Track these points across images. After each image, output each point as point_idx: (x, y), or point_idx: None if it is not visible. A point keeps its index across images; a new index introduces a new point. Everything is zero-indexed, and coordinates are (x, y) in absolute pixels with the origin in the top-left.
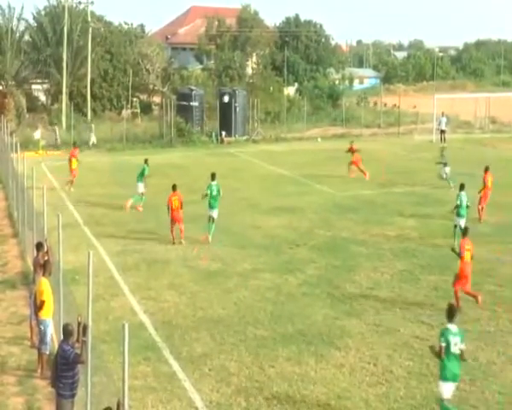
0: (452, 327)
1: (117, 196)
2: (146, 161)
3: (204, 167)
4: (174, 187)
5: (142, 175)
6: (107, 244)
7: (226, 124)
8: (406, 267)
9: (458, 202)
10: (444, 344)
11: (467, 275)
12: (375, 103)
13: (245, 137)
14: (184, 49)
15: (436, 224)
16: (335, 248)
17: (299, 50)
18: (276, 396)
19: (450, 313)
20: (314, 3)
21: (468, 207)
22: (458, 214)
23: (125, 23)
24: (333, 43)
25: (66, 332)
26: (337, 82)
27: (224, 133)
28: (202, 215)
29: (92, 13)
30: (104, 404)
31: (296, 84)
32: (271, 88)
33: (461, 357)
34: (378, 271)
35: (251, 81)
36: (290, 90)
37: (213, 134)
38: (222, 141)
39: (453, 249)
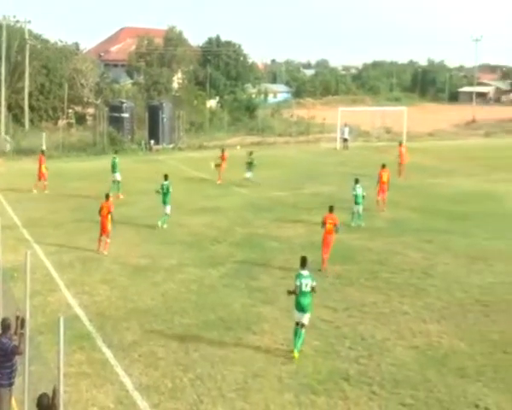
0: (304, 272)
1: (54, 199)
2: (116, 152)
3: (134, 173)
4: (107, 196)
5: (114, 167)
6: (45, 244)
7: (154, 133)
8: (313, 259)
9: (354, 193)
10: (298, 284)
11: (328, 242)
12: (292, 116)
13: (171, 146)
14: (116, 65)
15: (340, 220)
16: (252, 243)
17: (220, 67)
18: (200, 377)
19: (303, 262)
20: (234, 26)
21: (363, 197)
22: (355, 202)
23: (61, 41)
24: (250, 61)
25: (4, 326)
26: (254, 96)
27: (152, 142)
28: (135, 217)
29: (30, 31)
30: (41, 391)
31: (217, 98)
32: (195, 101)
33: (313, 291)
34: (290, 263)
35: (177, 95)
36: (212, 103)
37: (143, 143)
38: (150, 149)
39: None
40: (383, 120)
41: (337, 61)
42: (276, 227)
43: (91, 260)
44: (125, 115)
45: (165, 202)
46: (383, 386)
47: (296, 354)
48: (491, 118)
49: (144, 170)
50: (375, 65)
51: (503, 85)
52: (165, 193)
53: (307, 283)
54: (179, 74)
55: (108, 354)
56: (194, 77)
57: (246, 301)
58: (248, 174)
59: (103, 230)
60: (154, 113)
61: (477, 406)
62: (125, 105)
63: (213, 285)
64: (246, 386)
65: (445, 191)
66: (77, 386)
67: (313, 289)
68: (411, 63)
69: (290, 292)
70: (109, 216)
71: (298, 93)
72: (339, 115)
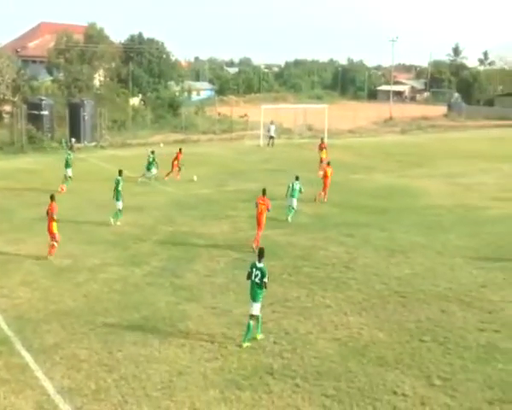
0: (258, 264)
1: None
2: (71, 148)
3: (55, 172)
4: (52, 197)
5: (68, 163)
6: None
7: (75, 131)
8: (239, 255)
9: (291, 186)
10: (249, 271)
11: (260, 222)
12: (219, 113)
13: (93, 144)
14: (35, 61)
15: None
16: (177, 241)
17: (143, 65)
18: (124, 377)
19: (260, 254)
20: (156, 23)
21: (300, 190)
22: (291, 196)
23: None
24: (173, 58)
25: None
26: (177, 93)
27: (73, 140)
28: (58, 215)
29: None
30: None
31: (140, 95)
32: (117, 98)
33: (264, 286)
34: (214, 260)
35: (98, 92)
36: (135, 101)
37: (63, 141)
38: (71, 147)
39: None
40: (305, 118)
41: (260, 60)
42: (200, 225)
43: (10, 262)
44: (45, 113)
45: (116, 198)
46: (306, 379)
47: (246, 343)
48: (406, 116)
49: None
50: (297, 63)
51: (418, 84)
52: (116, 188)
53: (257, 274)
54: (101, 72)
55: (28, 358)
56: (117, 74)
57: (170, 299)
58: (148, 174)
59: (48, 232)
60: (74, 110)
61: (395, 392)
62: (44, 102)
63: (137, 284)
64: (171, 384)
65: (365, 187)
66: None
67: (264, 284)
68: (332, 62)
69: (247, 276)
70: (53, 218)
71: (221, 91)
72: (261, 113)
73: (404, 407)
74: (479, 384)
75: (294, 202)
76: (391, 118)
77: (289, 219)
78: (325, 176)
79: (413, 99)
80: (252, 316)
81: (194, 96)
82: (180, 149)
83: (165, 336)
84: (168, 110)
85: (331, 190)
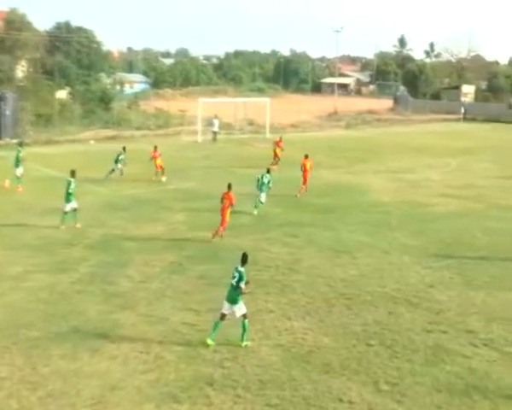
0: (240, 267)
1: None
2: (21, 145)
3: None
4: None
5: (17, 160)
6: None
7: None
8: (175, 259)
9: (260, 179)
10: (232, 271)
11: (223, 217)
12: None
13: (16, 140)
14: None
15: (202, 217)
16: (108, 245)
17: (71, 55)
18: (51, 394)
19: (243, 259)
20: (85, 11)
21: (269, 183)
22: (260, 189)
23: None
24: (104, 48)
25: None
26: (109, 86)
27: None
28: None
29: None
30: None
31: (68, 88)
32: (43, 92)
33: (240, 292)
34: (149, 264)
35: (21, 84)
36: (62, 94)
37: None
38: (21, 143)
39: None
40: (246, 112)
41: (198, 51)
42: (134, 227)
43: None
44: None
45: (66, 200)
46: (248, 388)
47: (209, 342)
48: (351, 109)
49: None
50: (237, 54)
51: (364, 77)
52: (67, 190)
53: (235, 276)
54: (24, 62)
55: None
56: (42, 65)
57: (102, 307)
58: (115, 168)
59: None
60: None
61: (341, 400)
62: None
63: (65, 292)
64: (103, 400)
65: (309, 184)
66: None
67: (240, 289)
68: (274, 53)
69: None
70: None
71: (156, 83)
72: (199, 107)
73: None
74: (427, 388)
75: (262, 196)
76: (336, 112)
77: (255, 212)
78: (304, 170)
79: (358, 92)
80: (223, 316)
81: (128, 89)
82: (155, 147)
83: (96, 348)
84: (99, 104)
85: (275, 188)
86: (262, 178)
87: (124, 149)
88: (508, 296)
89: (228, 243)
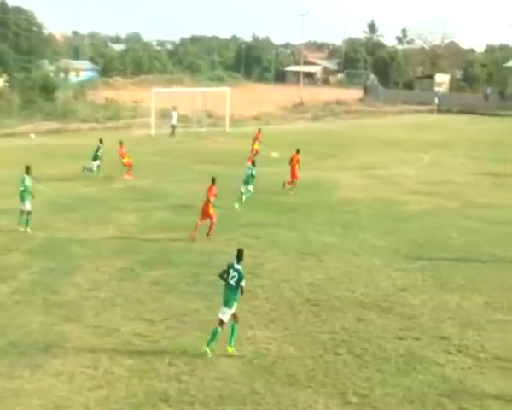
0: (236, 265)
1: None
2: None
3: None
4: None
5: None
6: None
7: None
8: (127, 265)
9: (248, 173)
10: (225, 269)
11: (203, 212)
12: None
13: None
14: None
15: (156, 218)
16: (52, 250)
17: (8, 39)
18: None
19: (238, 256)
20: None
21: (252, 176)
22: (244, 182)
23: None
24: (46, 32)
25: None
26: (51, 74)
27: None
28: None
29: None
30: None
31: (5, 76)
32: None
33: (241, 291)
34: (98, 271)
35: None
36: None
37: None
38: None
39: None
40: (204, 103)
41: (151, 36)
42: (81, 230)
43: None
44: None
45: (22, 199)
46: (207, 404)
47: (206, 349)
48: (318, 100)
49: None
50: (195, 40)
51: (331, 65)
52: (21, 188)
53: (234, 275)
54: None
55: None
56: None
57: (44, 319)
58: (91, 165)
59: None
60: None
61: None
62: None
63: (2, 303)
64: None
65: (273, 181)
66: None
67: (241, 289)
68: (234, 39)
69: (220, 276)
70: None
71: (105, 71)
72: (153, 98)
73: None
74: (398, 399)
75: (244, 188)
76: (301, 103)
77: (236, 205)
78: (293, 165)
79: (326, 81)
80: (221, 322)
81: (73, 78)
82: (121, 142)
83: (37, 365)
84: (40, 94)
85: (233, 187)
86: (247, 171)
87: (101, 141)
88: (483, 300)
89: (183, 245)
